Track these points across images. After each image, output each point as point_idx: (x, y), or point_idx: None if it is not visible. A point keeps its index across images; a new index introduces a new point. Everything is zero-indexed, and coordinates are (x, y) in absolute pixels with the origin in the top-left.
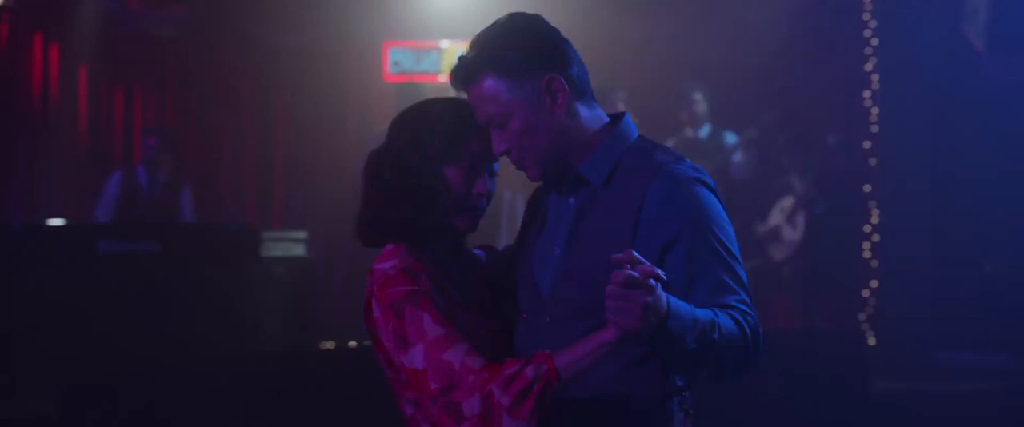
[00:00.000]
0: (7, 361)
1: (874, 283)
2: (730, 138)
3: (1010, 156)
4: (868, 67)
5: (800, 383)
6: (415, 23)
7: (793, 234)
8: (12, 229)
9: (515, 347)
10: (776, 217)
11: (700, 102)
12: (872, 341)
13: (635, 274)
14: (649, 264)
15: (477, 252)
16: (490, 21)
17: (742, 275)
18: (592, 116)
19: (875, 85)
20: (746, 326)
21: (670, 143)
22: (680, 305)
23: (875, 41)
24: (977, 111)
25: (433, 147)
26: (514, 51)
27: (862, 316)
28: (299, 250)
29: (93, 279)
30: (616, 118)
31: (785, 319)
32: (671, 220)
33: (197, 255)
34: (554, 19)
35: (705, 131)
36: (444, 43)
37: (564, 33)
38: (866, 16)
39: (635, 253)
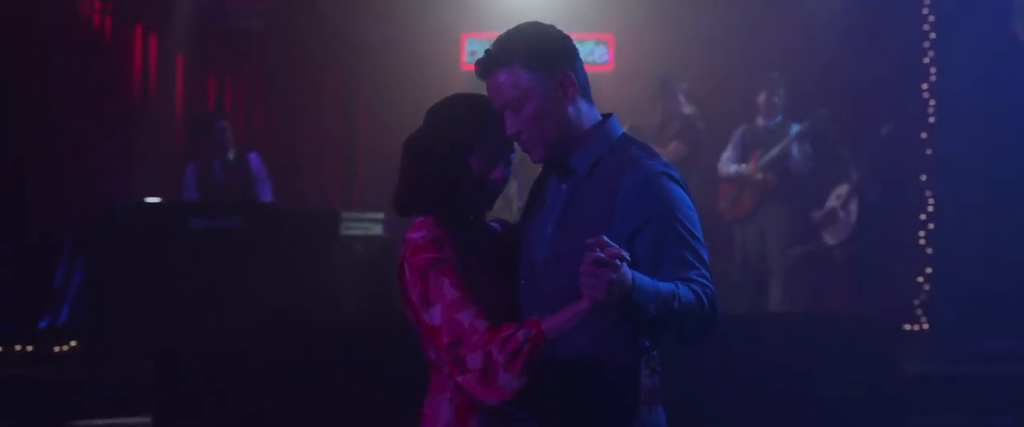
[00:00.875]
0: (108, 325)
1: (928, 270)
2: (795, 128)
3: None
4: (926, 60)
5: (830, 367)
6: (491, 15)
7: (847, 220)
8: (114, 211)
9: (519, 308)
10: (832, 203)
11: (781, 95)
12: (925, 326)
13: (603, 255)
14: (616, 247)
15: (493, 224)
16: (564, 11)
17: (703, 254)
18: (589, 114)
19: (932, 78)
20: (704, 297)
21: (739, 129)
22: (644, 280)
23: (933, 36)
24: None
25: (458, 138)
26: (537, 48)
27: (916, 301)
28: (377, 230)
29: (184, 253)
30: (605, 118)
31: (837, 302)
32: (641, 209)
33: (280, 234)
34: (623, 11)
35: (776, 121)
36: None
37: (632, 24)
38: (924, 11)
39: (605, 237)
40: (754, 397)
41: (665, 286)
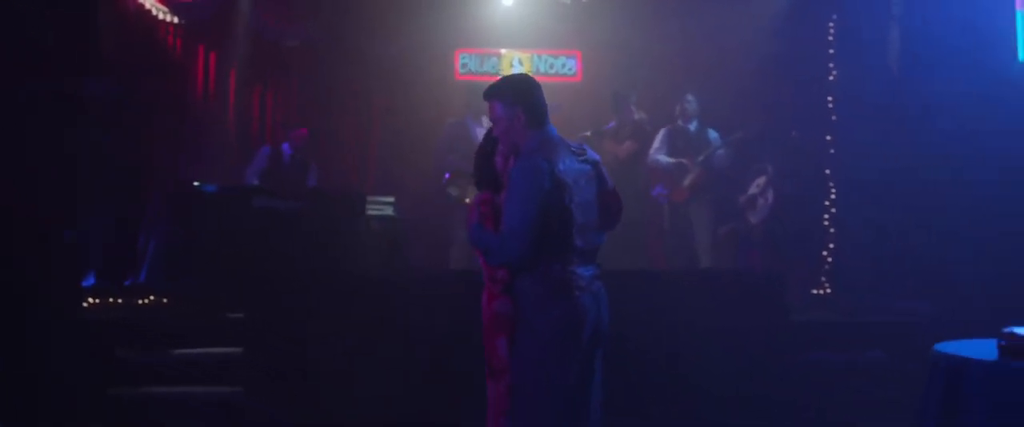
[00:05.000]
0: (193, 279)
1: (831, 245)
2: (712, 134)
3: (927, 146)
4: (831, 78)
5: (732, 313)
6: (480, 34)
7: (765, 205)
8: (206, 190)
9: None
10: (752, 190)
11: (691, 102)
12: (829, 290)
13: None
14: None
15: None
16: (540, 31)
17: (516, 211)
18: (534, 134)
19: (836, 92)
20: (494, 240)
21: (664, 130)
22: (473, 229)
23: (836, 58)
24: (905, 114)
25: (489, 148)
26: (507, 93)
27: (821, 270)
28: (389, 211)
29: (249, 225)
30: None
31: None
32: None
33: (322, 211)
34: (589, 32)
35: (693, 125)
36: (503, 50)
37: (597, 43)
38: (830, 38)
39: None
40: (676, 336)
41: (478, 234)
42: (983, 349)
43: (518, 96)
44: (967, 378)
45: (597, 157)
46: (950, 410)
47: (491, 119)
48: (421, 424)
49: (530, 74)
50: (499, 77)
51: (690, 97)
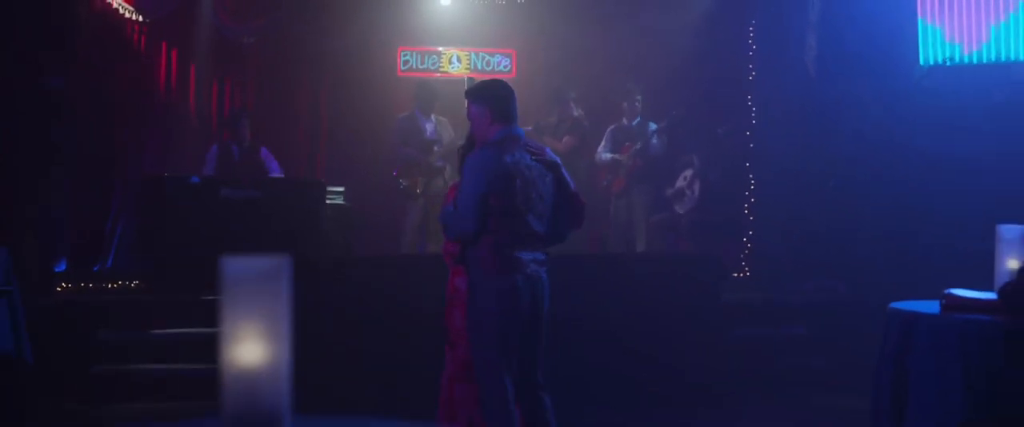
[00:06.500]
0: (164, 265)
1: (750, 232)
2: (652, 126)
3: (838, 142)
4: (750, 78)
5: (671, 291)
6: (421, 32)
7: (692, 196)
8: (190, 180)
9: None
10: (680, 183)
11: (639, 100)
12: (748, 273)
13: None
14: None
15: None
16: (478, 30)
17: (464, 196)
18: (500, 129)
19: (755, 91)
20: (449, 217)
21: (610, 128)
22: (445, 211)
23: (755, 60)
24: (817, 112)
25: (466, 148)
26: (480, 95)
27: (741, 255)
28: (339, 199)
29: (216, 212)
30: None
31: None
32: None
33: (284, 199)
34: (524, 31)
35: (636, 121)
36: (442, 48)
37: (531, 42)
38: (750, 41)
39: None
40: (619, 313)
41: (444, 213)
42: (928, 306)
43: (487, 98)
44: (917, 328)
45: (557, 159)
46: (903, 354)
47: (468, 116)
48: (387, 394)
49: (467, 70)
50: (439, 74)
51: (638, 95)
